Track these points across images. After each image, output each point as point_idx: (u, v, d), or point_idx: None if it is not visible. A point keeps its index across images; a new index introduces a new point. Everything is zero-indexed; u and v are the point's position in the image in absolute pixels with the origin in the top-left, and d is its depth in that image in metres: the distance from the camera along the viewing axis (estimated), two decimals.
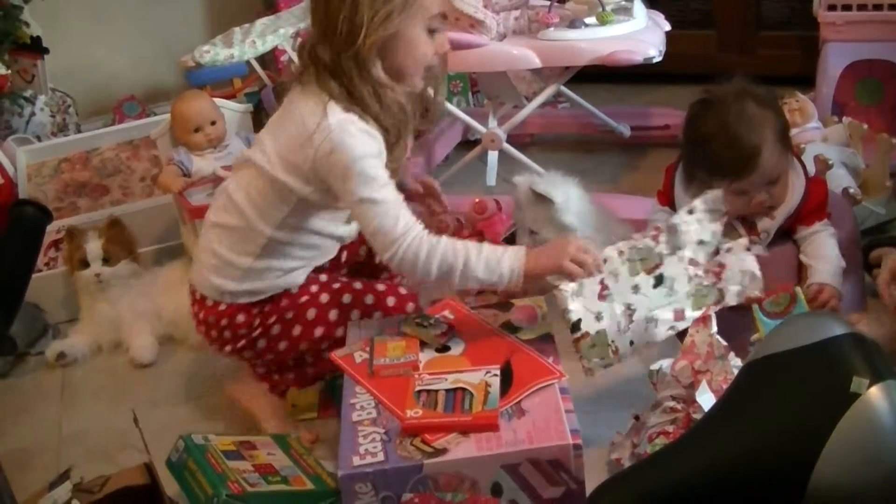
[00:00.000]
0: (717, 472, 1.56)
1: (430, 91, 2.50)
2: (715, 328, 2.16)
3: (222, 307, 2.50)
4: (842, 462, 1.42)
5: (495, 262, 2.26)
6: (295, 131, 2.35)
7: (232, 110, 3.33)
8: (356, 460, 2.00)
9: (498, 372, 2.16)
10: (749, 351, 2.14)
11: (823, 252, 2.59)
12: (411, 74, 2.39)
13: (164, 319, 3.13)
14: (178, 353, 3.10)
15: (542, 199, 2.67)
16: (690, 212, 2.37)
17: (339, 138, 2.27)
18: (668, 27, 3.50)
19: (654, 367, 2.25)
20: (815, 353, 1.49)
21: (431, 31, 2.36)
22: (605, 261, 2.30)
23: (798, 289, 2.25)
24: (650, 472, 1.71)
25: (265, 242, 2.45)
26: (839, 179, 3.12)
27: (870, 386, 1.42)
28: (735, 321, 2.30)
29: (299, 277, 2.54)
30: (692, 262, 2.33)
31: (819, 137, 3.33)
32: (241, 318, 2.50)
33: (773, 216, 2.61)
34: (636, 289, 2.31)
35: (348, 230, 2.58)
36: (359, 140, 2.29)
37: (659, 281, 2.31)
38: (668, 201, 2.71)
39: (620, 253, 2.33)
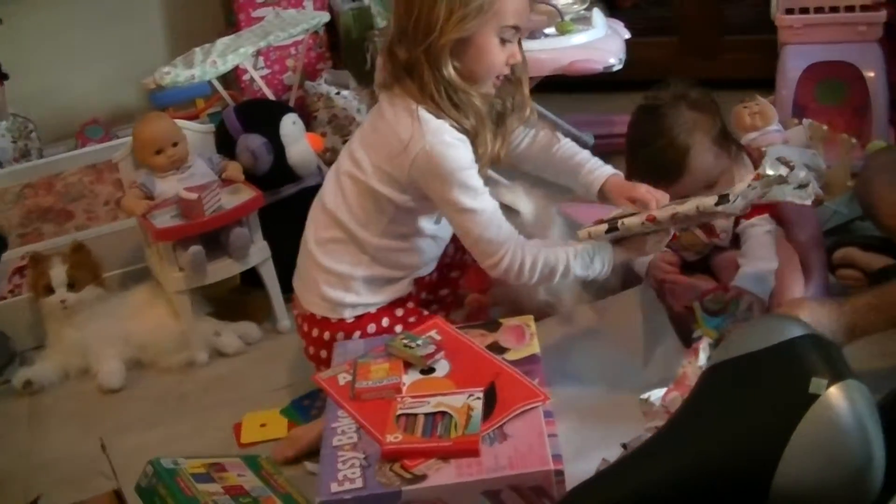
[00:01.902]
0: (680, 477, 1.56)
1: (509, 101, 2.53)
2: (704, 360, 2.14)
3: (349, 320, 2.53)
4: (803, 463, 1.42)
5: (588, 259, 2.40)
6: (388, 142, 2.39)
7: (194, 131, 3.31)
8: (334, 487, 1.97)
9: (481, 395, 2.13)
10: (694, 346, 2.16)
11: (754, 252, 2.62)
12: (481, 80, 2.41)
13: (131, 343, 3.10)
14: (146, 377, 3.08)
15: (507, 210, 2.67)
16: (732, 201, 2.23)
17: (436, 150, 2.32)
18: (627, 35, 3.52)
19: (645, 396, 2.22)
20: (774, 356, 1.50)
21: (504, 41, 2.38)
22: (630, 233, 2.37)
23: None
24: (614, 480, 1.71)
25: (373, 252, 2.50)
26: None
27: (829, 386, 1.42)
28: None
29: (405, 287, 2.59)
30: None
31: (780, 140, 3.34)
32: (371, 328, 2.52)
33: (727, 216, 2.62)
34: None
35: (439, 229, 2.58)
36: (455, 150, 2.34)
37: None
38: None
39: (645, 227, 2.35)
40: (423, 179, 2.37)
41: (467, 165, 2.36)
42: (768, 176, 2.17)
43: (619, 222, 2.39)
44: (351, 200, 2.48)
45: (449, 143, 2.34)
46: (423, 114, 2.34)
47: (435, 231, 2.58)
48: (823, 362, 1.46)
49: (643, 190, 2.44)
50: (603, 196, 2.55)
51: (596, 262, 2.42)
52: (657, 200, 2.40)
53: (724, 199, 2.22)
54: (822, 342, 1.50)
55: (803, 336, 1.50)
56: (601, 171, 2.57)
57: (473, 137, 2.40)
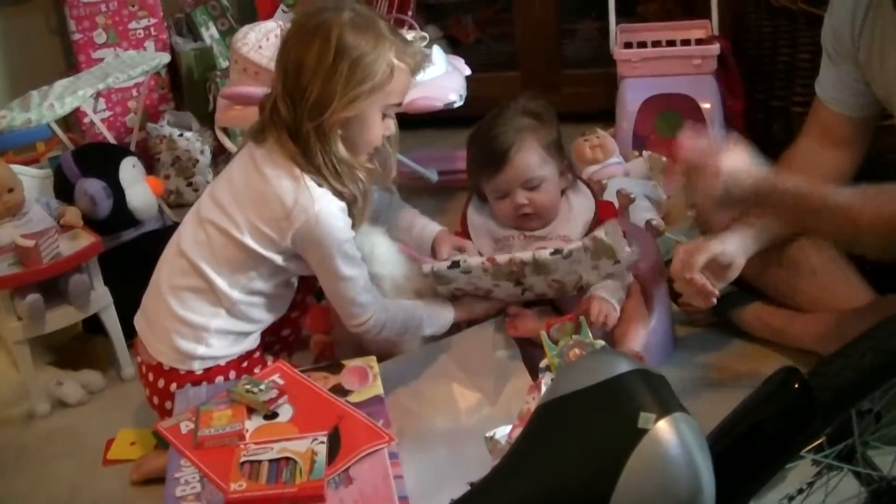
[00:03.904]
0: None
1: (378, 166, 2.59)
2: None
3: (198, 372, 2.48)
4: (634, 497, 1.43)
5: (437, 318, 2.64)
6: (268, 204, 2.39)
7: (31, 176, 3.24)
8: None
9: (325, 439, 2.11)
10: (540, 375, 2.20)
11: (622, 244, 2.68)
12: (360, 152, 2.46)
13: None
14: None
15: None
16: (565, 256, 2.51)
17: (323, 221, 2.37)
18: (468, 72, 3.55)
19: (490, 433, 2.22)
20: (602, 392, 1.51)
21: (385, 116, 2.46)
22: (470, 271, 2.57)
23: (582, 317, 2.30)
24: None
25: (230, 305, 2.47)
26: (642, 212, 3.20)
27: (657, 420, 1.44)
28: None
29: (255, 340, 2.58)
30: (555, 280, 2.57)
31: (621, 172, 3.41)
32: (219, 381, 2.47)
33: (567, 239, 2.68)
34: (496, 286, 2.62)
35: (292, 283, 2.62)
36: (339, 222, 2.40)
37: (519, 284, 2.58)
38: (465, 234, 2.86)
39: (485, 270, 2.55)
40: (304, 246, 2.41)
41: (349, 236, 2.43)
42: (603, 240, 2.44)
43: (462, 260, 2.57)
44: (217, 252, 2.45)
45: (335, 214, 2.39)
46: (310, 182, 2.37)
47: (290, 286, 2.60)
48: (651, 396, 1.48)
49: (468, 242, 2.72)
50: (433, 249, 2.73)
51: (441, 321, 2.65)
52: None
53: (558, 252, 2.49)
54: (650, 376, 1.51)
55: (632, 371, 1.51)
56: (431, 227, 2.78)
57: (351, 204, 2.45)
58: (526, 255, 2.51)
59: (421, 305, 2.63)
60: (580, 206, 2.79)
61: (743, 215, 2.57)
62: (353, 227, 2.46)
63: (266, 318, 2.57)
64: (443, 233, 2.76)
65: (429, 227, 2.77)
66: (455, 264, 2.55)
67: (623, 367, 1.54)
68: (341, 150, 2.39)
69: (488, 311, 2.71)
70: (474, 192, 2.89)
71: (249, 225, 2.41)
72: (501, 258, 2.54)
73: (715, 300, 2.53)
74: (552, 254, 2.49)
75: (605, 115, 3.92)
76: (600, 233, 2.52)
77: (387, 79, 2.37)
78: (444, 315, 2.66)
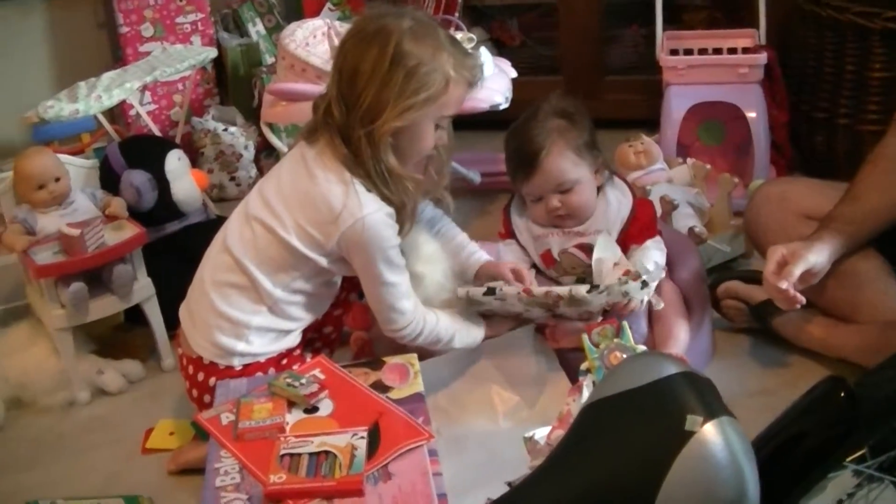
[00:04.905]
0: None
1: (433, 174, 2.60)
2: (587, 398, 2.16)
3: (237, 368, 2.49)
4: (679, 499, 1.44)
5: (466, 333, 2.61)
6: (316, 207, 2.39)
7: (77, 166, 3.26)
8: None
9: (365, 434, 2.11)
10: (578, 378, 2.20)
11: (645, 265, 2.67)
12: (410, 162, 2.45)
13: (10, 382, 3.01)
14: (25, 417, 2.99)
15: None
16: (601, 292, 2.49)
17: (370, 226, 2.36)
18: (514, 74, 3.55)
19: (529, 434, 2.22)
20: (649, 393, 1.51)
21: (438, 127, 2.44)
22: (504, 299, 2.56)
23: (624, 322, 2.30)
24: None
25: (272, 303, 2.47)
26: (685, 219, 3.19)
27: (703, 423, 1.44)
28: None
29: (295, 339, 2.58)
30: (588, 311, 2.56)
31: (664, 179, 3.40)
32: (258, 377, 2.47)
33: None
34: (528, 311, 2.62)
35: (335, 283, 2.61)
36: (386, 229, 2.39)
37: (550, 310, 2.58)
38: (509, 234, 2.88)
39: (519, 300, 2.54)
40: (350, 250, 2.40)
41: (395, 242, 2.42)
42: (634, 270, 2.51)
43: (499, 288, 2.56)
44: (262, 250, 2.45)
45: (382, 219, 2.38)
46: (359, 187, 2.36)
47: (332, 286, 2.60)
48: (698, 399, 1.48)
49: (507, 268, 2.66)
50: (477, 277, 2.71)
51: (472, 337, 2.62)
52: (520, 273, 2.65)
53: (594, 288, 2.49)
54: (696, 379, 1.52)
55: (677, 374, 1.52)
56: (478, 255, 2.74)
57: (399, 210, 2.44)
58: (563, 290, 2.50)
59: (456, 319, 2.60)
60: (617, 201, 2.79)
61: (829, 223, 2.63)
62: (400, 233, 2.46)
63: (307, 317, 2.57)
64: (490, 263, 2.72)
65: (476, 256, 2.73)
66: (490, 291, 2.56)
67: (670, 369, 1.54)
68: (391, 158, 2.37)
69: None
70: (516, 192, 2.88)
71: (296, 226, 2.41)
72: (537, 290, 2.53)
73: (799, 306, 2.56)
74: (588, 291, 2.49)
75: (646, 123, 3.91)
76: (635, 267, 2.55)
77: (442, 90, 2.36)
78: (476, 332, 2.63)
